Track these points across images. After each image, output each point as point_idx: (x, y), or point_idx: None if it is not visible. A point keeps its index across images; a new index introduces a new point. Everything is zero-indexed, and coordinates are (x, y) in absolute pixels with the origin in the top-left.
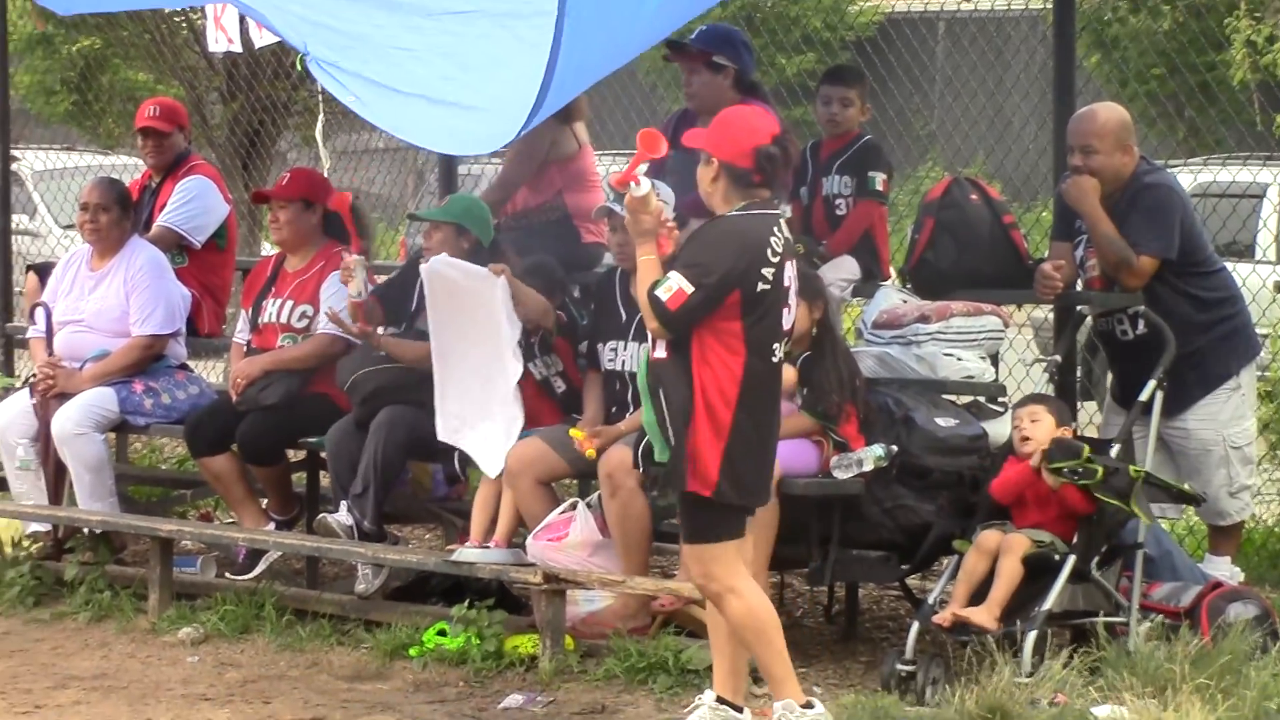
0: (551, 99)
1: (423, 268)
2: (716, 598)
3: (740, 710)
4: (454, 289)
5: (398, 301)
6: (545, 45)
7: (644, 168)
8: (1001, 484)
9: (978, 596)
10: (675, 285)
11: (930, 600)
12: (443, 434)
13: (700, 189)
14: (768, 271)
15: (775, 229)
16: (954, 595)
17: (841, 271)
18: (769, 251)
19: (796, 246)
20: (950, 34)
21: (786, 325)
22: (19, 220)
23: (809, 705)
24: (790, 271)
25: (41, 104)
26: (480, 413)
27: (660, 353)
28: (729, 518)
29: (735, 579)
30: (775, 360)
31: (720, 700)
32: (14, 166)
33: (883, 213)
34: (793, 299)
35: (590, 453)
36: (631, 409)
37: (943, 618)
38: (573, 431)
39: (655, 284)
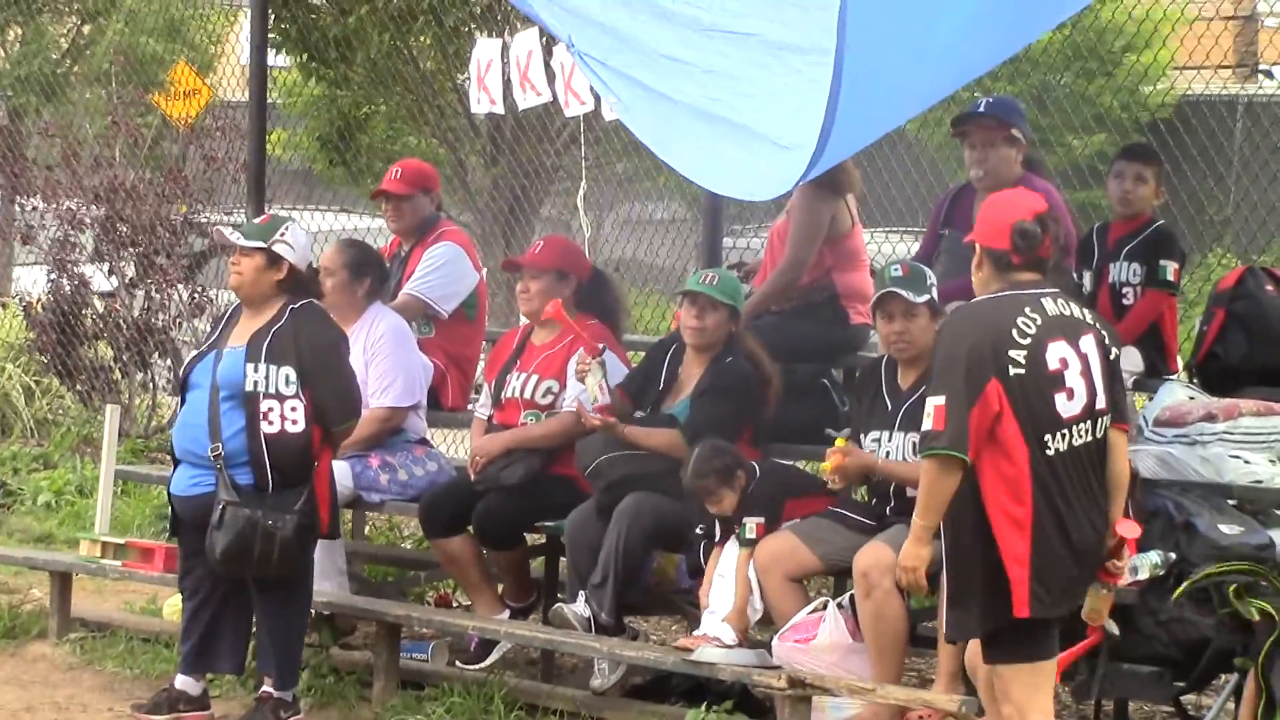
0: (830, 153)
1: None
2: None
3: None
4: None
5: (643, 388)
6: (825, 85)
7: None
8: None
9: None
10: (930, 409)
11: None
12: None
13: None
14: (1016, 354)
15: (1027, 309)
16: None
17: (1124, 364)
18: (1014, 332)
19: None
20: (1250, 116)
21: (1069, 413)
22: None
23: None
24: (1063, 352)
25: (324, 165)
26: None
27: None
28: (1038, 634)
29: (1032, 710)
30: (1051, 452)
31: None
32: None
33: (1172, 303)
34: (1075, 381)
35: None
36: (893, 503)
37: None
38: (824, 466)
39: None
